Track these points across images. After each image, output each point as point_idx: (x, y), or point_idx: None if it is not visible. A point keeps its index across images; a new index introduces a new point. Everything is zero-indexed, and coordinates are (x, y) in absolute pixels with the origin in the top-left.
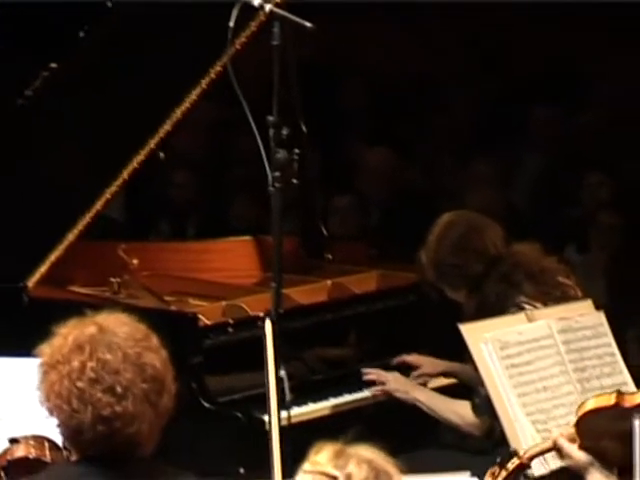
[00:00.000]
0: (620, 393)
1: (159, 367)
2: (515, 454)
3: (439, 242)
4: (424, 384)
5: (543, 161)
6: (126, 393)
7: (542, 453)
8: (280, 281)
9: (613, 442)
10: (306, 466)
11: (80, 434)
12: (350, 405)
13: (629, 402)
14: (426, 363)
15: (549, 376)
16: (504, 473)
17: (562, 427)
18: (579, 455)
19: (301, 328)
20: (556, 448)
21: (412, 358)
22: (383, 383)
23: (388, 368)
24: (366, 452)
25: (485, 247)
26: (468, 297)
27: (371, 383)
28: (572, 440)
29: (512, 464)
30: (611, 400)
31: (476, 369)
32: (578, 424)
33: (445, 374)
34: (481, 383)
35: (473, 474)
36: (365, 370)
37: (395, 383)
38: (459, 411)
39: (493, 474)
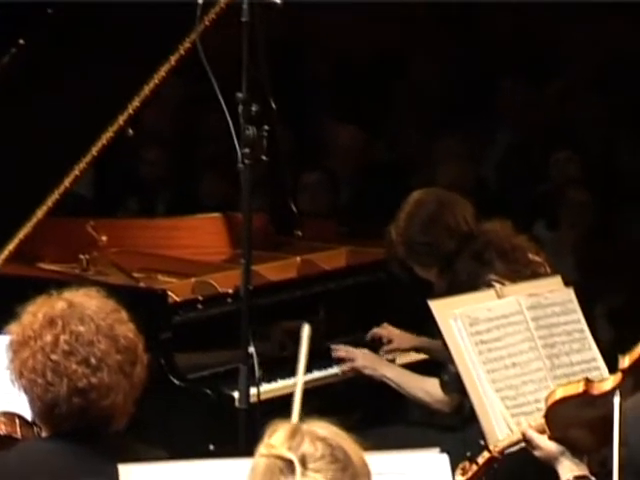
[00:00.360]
0: (588, 381)
1: (132, 338)
2: (485, 448)
3: (409, 220)
4: (393, 360)
5: (512, 137)
6: (101, 364)
7: (512, 445)
8: (249, 258)
9: (582, 430)
10: (261, 450)
11: (55, 408)
12: (319, 382)
13: (597, 389)
14: (397, 337)
15: (518, 352)
16: (475, 467)
17: (531, 418)
18: (549, 446)
19: (270, 304)
20: (525, 440)
21: (384, 331)
22: (352, 360)
23: (359, 343)
24: (321, 429)
25: (456, 224)
26: (439, 276)
27: (340, 360)
28: (541, 431)
29: (482, 458)
30: (579, 388)
31: (445, 345)
32: (547, 414)
33: (416, 349)
34: (450, 360)
35: (442, 450)
36: (334, 347)
37: (364, 360)
38: (428, 388)
39: (463, 469)
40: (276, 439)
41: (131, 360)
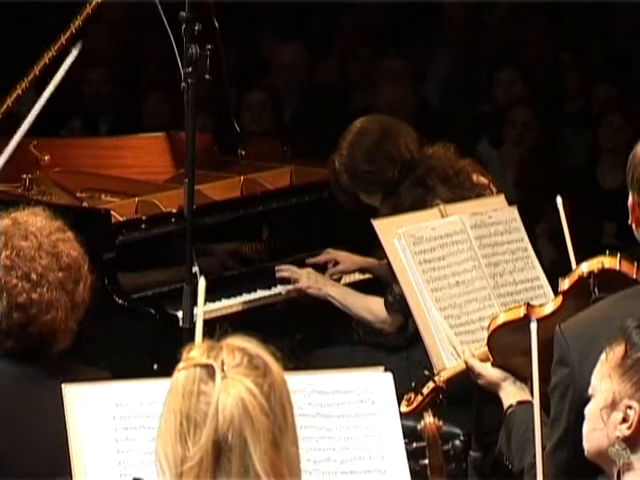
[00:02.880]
0: (530, 306)
1: (75, 256)
2: (430, 378)
3: (352, 149)
4: (338, 280)
5: (456, 57)
6: (41, 280)
7: (457, 375)
8: (193, 177)
9: (525, 357)
10: (179, 365)
11: None
12: (263, 301)
13: (538, 314)
14: (343, 259)
15: (462, 271)
16: (420, 398)
17: (472, 338)
18: (491, 373)
19: (214, 224)
20: (467, 368)
21: (329, 255)
22: (296, 280)
23: (302, 264)
24: (238, 341)
25: (398, 152)
26: (383, 203)
27: (284, 280)
28: (485, 359)
29: (427, 388)
30: (520, 313)
31: (389, 265)
32: (490, 341)
33: (361, 270)
34: (394, 280)
35: (386, 370)
36: (278, 267)
37: (308, 280)
38: (372, 308)
39: (409, 400)
40: (195, 353)
41: (74, 278)
